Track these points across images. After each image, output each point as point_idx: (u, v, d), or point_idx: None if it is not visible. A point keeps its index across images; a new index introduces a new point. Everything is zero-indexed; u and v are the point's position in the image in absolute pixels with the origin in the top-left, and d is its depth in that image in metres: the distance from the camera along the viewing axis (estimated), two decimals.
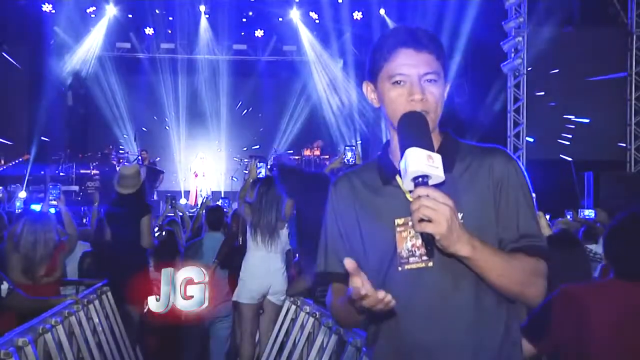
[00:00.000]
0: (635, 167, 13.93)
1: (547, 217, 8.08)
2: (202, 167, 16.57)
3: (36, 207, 8.16)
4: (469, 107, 14.15)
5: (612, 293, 2.57)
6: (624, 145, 14.05)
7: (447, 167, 1.77)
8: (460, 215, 1.76)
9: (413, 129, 1.76)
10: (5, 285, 4.22)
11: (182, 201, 15.62)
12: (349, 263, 1.69)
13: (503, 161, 1.90)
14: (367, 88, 2.00)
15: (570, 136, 13.35)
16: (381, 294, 1.65)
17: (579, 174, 12.57)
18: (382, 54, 1.91)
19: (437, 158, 1.69)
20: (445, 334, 1.83)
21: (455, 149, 1.94)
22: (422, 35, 1.89)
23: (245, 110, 19.27)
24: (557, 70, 13.29)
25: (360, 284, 1.67)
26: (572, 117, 13.38)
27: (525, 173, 1.92)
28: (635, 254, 2.56)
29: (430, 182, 1.67)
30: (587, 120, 13.35)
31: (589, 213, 7.59)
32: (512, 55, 13.86)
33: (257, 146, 18.16)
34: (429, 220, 1.63)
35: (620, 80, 14.00)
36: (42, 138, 17.16)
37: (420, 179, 1.66)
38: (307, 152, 16.39)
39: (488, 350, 1.85)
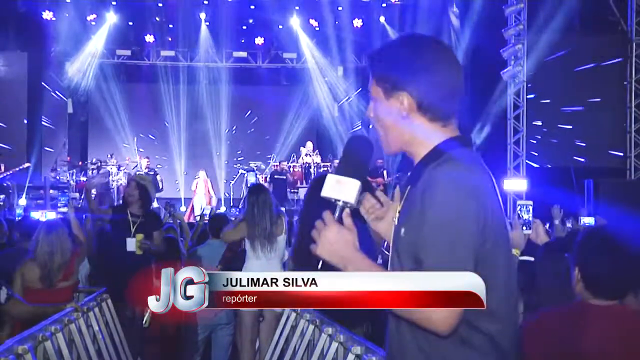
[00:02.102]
0: (635, 175, 13.93)
1: (547, 225, 8.06)
2: (201, 185, 16.50)
3: (35, 214, 8.16)
4: (469, 115, 14.16)
5: (586, 317, 2.53)
6: (624, 152, 14.05)
7: (412, 181, 1.88)
8: (403, 230, 1.84)
9: (343, 155, 1.98)
10: (4, 291, 4.23)
11: (182, 208, 15.62)
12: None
13: (427, 181, 1.76)
14: None
15: (569, 143, 13.36)
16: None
17: (579, 182, 12.57)
18: None
19: (349, 183, 1.84)
20: (393, 344, 1.90)
21: (428, 162, 1.83)
22: (369, 57, 2.05)
23: (247, 116, 19.32)
24: (556, 78, 13.31)
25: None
26: (572, 124, 13.39)
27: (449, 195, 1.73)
28: (609, 270, 2.53)
29: (341, 204, 1.85)
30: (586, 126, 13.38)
31: (589, 220, 7.55)
32: (512, 62, 13.88)
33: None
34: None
35: (620, 88, 14.02)
36: (43, 146, 17.19)
37: (334, 202, 1.85)
38: (307, 159, 16.40)
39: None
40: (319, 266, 1.83)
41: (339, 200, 1.84)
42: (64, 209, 6.74)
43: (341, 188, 1.85)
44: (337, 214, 1.84)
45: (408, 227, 1.81)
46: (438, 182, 1.73)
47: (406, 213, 1.86)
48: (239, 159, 18.35)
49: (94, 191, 14.28)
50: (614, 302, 2.52)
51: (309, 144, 16.81)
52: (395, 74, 1.89)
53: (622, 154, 14.02)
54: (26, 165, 14.97)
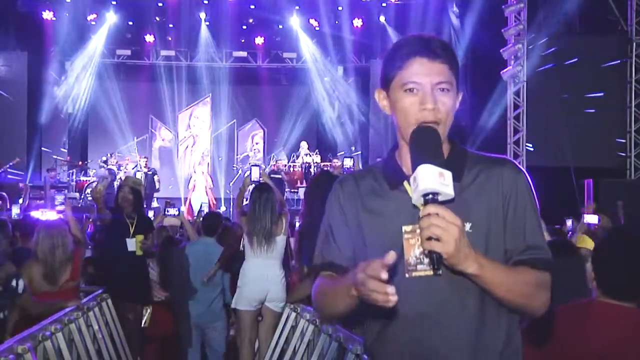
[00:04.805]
0: (635, 175, 13.93)
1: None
2: (200, 180, 16.46)
3: (35, 214, 8.16)
4: (469, 114, 14.16)
5: (596, 315, 2.54)
6: (624, 152, 14.06)
7: (456, 176, 1.79)
8: (468, 225, 1.81)
9: (425, 145, 1.77)
10: (22, 282, 4.30)
11: (183, 208, 15.59)
12: (392, 256, 1.65)
13: (512, 173, 1.91)
14: (379, 95, 2.00)
15: (569, 142, 13.35)
16: (391, 289, 1.64)
17: (579, 181, 12.57)
18: (395, 62, 1.91)
19: (448, 175, 1.70)
20: (448, 342, 1.85)
21: (463, 158, 1.95)
22: (436, 45, 1.89)
23: (245, 118, 19.34)
24: (556, 77, 13.31)
25: (383, 269, 1.64)
26: (572, 124, 13.38)
27: (532, 185, 1.94)
28: (624, 271, 2.53)
29: (440, 199, 1.69)
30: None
31: (592, 219, 7.43)
32: (512, 62, 13.88)
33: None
34: (438, 239, 1.65)
35: (621, 88, 14.03)
36: (42, 145, 17.17)
37: (430, 196, 1.68)
38: (307, 159, 16.39)
39: (490, 358, 1.87)
40: (437, 265, 1.68)
41: (439, 194, 1.68)
42: (61, 207, 6.72)
43: (444, 181, 1.68)
44: None
45: (479, 222, 1.85)
46: (523, 174, 1.93)
47: (467, 208, 1.83)
48: (242, 153, 18.33)
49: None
50: (628, 303, 2.52)
51: (304, 144, 16.78)
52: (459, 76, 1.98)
53: (622, 154, 14.02)
54: (16, 160, 14.77)
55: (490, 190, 1.89)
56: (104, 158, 15.87)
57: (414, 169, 1.73)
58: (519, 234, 1.88)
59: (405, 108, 1.88)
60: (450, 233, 1.64)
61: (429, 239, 1.65)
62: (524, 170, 1.96)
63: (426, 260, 1.82)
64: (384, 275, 1.63)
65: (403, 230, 1.86)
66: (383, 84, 1.97)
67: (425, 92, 1.86)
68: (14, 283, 4.29)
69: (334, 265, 2.01)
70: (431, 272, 1.81)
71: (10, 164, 14.49)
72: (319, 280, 2.04)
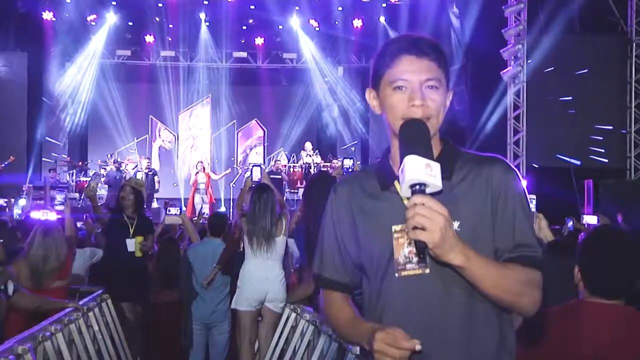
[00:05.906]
0: (635, 175, 13.93)
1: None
2: (202, 179, 16.40)
3: (36, 214, 8.15)
4: (469, 115, 14.16)
5: (586, 315, 2.53)
6: (624, 152, 14.06)
7: (446, 174, 1.79)
8: (456, 223, 1.80)
9: (413, 137, 1.77)
10: (11, 285, 4.29)
11: (183, 208, 15.57)
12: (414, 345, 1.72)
13: (502, 171, 1.91)
14: (370, 95, 2.02)
15: (569, 143, 13.35)
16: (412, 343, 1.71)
17: (579, 182, 12.57)
18: (384, 61, 1.93)
19: (436, 167, 1.70)
20: (440, 341, 1.84)
21: (454, 157, 1.95)
22: (424, 43, 1.90)
23: (245, 119, 19.35)
24: (556, 78, 13.30)
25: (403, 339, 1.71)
26: (572, 124, 13.39)
27: (523, 183, 1.93)
28: (609, 269, 2.54)
29: (428, 191, 1.68)
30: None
31: (591, 220, 7.46)
32: (512, 62, 13.87)
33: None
34: (423, 229, 1.65)
35: (621, 88, 14.03)
36: (43, 146, 17.17)
37: (417, 187, 1.68)
38: (307, 159, 16.39)
39: (483, 358, 1.86)
40: (422, 254, 1.71)
41: (426, 185, 1.68)
42: (61, 207, 6.71)
43: (431, 172, 1.68)
44: None
45: (467, 220, 1.85)
46: (513, 173, 1.92)
47: (455, 206, 1.82)
48: (242, 153, 18.32)
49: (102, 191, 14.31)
50: (615, 301, 2.52)
51: (308, 145, 16.80)
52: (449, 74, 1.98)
53: (622, 154, 14.02)
54: (11, 159, 14.73)
55: (480, 189, 1.89)
56: (120, 160, 15.87)
57: (401, 160, 1.73)
58: (508, 232, 1.87)
59: (393, 105, 1.89)
60: (435, 222, 1.64)
61: (415, 228, 1.65)
62: (515, 168, 1.95)
63: (415, 259, 1.83)
64: (408, 344, 1.70)
65: (393, 230, 1.87)
66: (373, 83, 1.99)
67: (414, 89, 1.86)
68: (2, 286, 4.27)
69: (331, 283, 2.06)
70: (420, 271, 1.82)
71: (5, 163, 14.49)
72: (322, 299, 2.10)
